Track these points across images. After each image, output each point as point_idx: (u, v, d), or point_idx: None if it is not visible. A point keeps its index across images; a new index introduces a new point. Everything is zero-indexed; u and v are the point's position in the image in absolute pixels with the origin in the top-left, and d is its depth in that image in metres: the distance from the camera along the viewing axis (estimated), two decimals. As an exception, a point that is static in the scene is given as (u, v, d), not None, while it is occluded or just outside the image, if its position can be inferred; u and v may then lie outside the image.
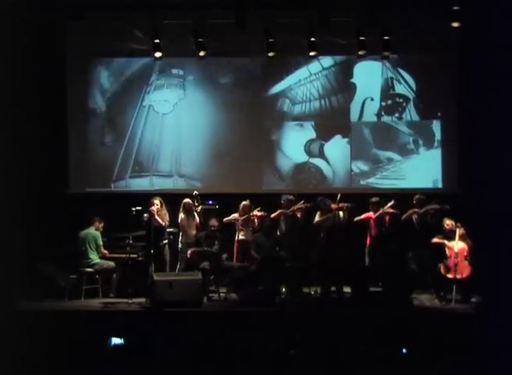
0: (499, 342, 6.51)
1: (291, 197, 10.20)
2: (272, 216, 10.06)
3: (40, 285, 9.43)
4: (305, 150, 11.49)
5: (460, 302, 9.00)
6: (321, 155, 11.48)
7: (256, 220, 10.02)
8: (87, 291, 9.57)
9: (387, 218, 9.99)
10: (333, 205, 9.80)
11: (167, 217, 9.82)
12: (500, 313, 7.44)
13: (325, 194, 10.30)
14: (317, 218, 9.96)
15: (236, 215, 10.09)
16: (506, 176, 8.32)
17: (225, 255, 9.74)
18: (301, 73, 11.54)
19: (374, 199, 10.07)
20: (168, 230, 10.01)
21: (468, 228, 9.35)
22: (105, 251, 9.85)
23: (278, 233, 10.09)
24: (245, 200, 10.12)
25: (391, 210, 9.93)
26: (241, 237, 10.02)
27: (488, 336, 6.88)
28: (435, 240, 9.40)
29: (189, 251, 9.67)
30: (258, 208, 10.02)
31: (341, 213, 9.88)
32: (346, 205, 9.94)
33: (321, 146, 11.49)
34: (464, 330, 7.26)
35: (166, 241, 9.87)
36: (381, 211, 9.93)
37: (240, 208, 10.04)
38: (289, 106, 11.52)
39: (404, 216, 9.99)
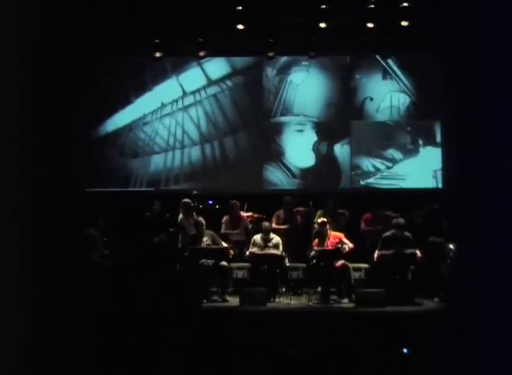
0: (496, 341, 6.52)
1: (290, 198, 10.24)
2: (274, 226, 10.08)
3: (40, 285, 9.41)
4: (311, 150, 11.50)
5: (460, 302, 8.98)
6: (321, 154, 11.50)
7: (249, 221, 10.08)
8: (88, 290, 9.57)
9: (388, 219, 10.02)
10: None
11: None
12: (498, 313, 7.44)
13: (326, 194, 10.38)
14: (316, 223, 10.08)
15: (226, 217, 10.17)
16: (506, 176, 8.33)
17: (232, 252, 9.70)
18: (301, 73, 11.56)
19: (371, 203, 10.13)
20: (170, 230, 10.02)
21: (467, 228, 9.34)
22: (106, 252, 9.86)
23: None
24: (237, 200, 10.22)
25: (392, 213, 9.96)
26: (236, 237, 10.11)
27: (485, 335, 6.88)
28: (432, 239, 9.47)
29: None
30: (246, 209, 10.13)
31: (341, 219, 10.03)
32: (345, 212, 10.07)
33: (320, 146, 11.50)
34: (463, 330, 7.25)
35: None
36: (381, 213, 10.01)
37: (230, 207, 10.15)
38: (290, 106, 11.53)
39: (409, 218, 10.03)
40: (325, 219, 9.52)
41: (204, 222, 9.74)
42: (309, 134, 11.51)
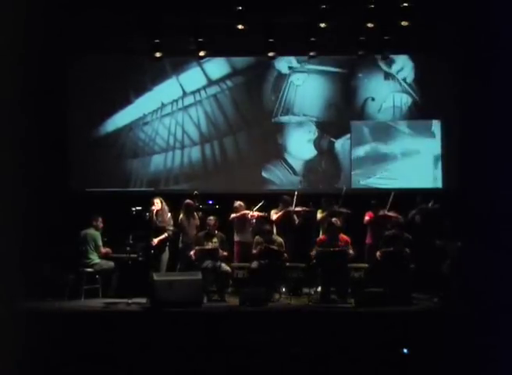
0: (497, 342, 6.52)
1: (288, 197, 10.25)
2: (274, 218, 10.13)
3: (40, 285, 9.43)
4: (310, 149, 11.48)
5: (460, 302, 8.99)
6: (321, 154, 11.50)
7: (254, 221, 10.10)
8: (87, 291, 9.57)
9: (389, 219, 10.03)
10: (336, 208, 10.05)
11: (168, 217, 9.81)
12: (498, 313, 7.45)
13: (328, 194, 10.39)
14: (318, 216, 10.21)
15: (233, 215, 10.19)
16: (506, 175, 8.33)
17: (224, 253, 9.71)
18: (301, 73, 11.55)
19: (373, 202, 10.12)
20: (170, 228, 9.98)
21: (467, 227, 9.36)
22: (106, 250, 9.83)
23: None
24: (239, 200, 10.23)
25: (394, 214, 9.95)
26: (238, 238, 10.12)
27: (486, 336, 6.88)
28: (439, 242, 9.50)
29: (192, 252, 9.64)
30: (255, 208, 10.11)
31: (340, 218, 10.05)
32: (345, 211, 10.06)
33: (321, 146, 11.50)
34: (463, 330, 7.26)
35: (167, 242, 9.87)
36: (381, 213, 10.00)
37: (235, 208, 10.18)
38: (291, 106, 11.52)
39: (409, 216, 10.05)
40: (336, 219, 9.56)
41: (214, 222, 9.74)
42: (309, 134, 11.50)
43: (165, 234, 9.71)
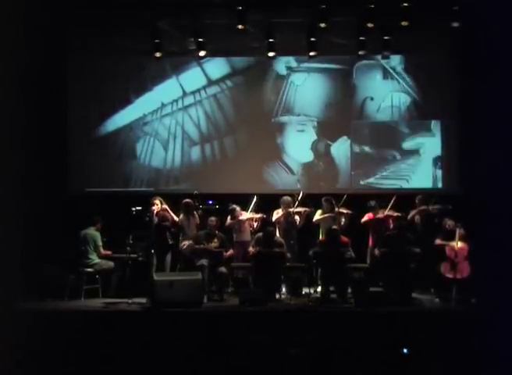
0: (497, 342, 6.52)
1: (289, 197, 10.25)
2: (274, 219, 10.15)
3: (40, 285, 9.43)
4: (310, 149, 11.47)
5: (460, 302, 8.99)
6: (320, 154, 11.48)
7: (253, 222, 10.11)
8: (87, 291, 9.58)
9: (390, 219, 10.03)
10: (336, 209, 10.02)
11: (168, 216, 9.82)
12: (499, 313, 7.44)
13: (328, 195, 10.39)
14: (317, 216, 10.15)
15: (228, 221, 10.22)
16: (506, 176, 8.33)
17: (229, 252, 9.74)
18: (301, 73, 11.55)
19: (372, 203, 10.12)
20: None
21: (468, 228, 9.36)
22: (105, 252, 9.84)
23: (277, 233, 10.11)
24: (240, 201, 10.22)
25: (394, 213, 9.96)
26: (237, 238, 10.15)
27: (486, 336, 6.89)
28: (439, 242, 9.44)
29: (184, 245, 9.65)
30: (250, 210, 10.13)
31: (342, 219, 10.05)
32: (347, 211, 10.06)
33: (323, 146, 11.49)
34: (463, 330, 7.26)
35: (171, 242, 9.87)
36: (381, 215, 9.99)
37: (230, 212, 10.20)
38: (290, 106, 11.51)
39: (409, 217, 10.05)
40: (336, 227, 9.56)
41: (215, 223, 9.77)
42: (309, 134, 11.48)
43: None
